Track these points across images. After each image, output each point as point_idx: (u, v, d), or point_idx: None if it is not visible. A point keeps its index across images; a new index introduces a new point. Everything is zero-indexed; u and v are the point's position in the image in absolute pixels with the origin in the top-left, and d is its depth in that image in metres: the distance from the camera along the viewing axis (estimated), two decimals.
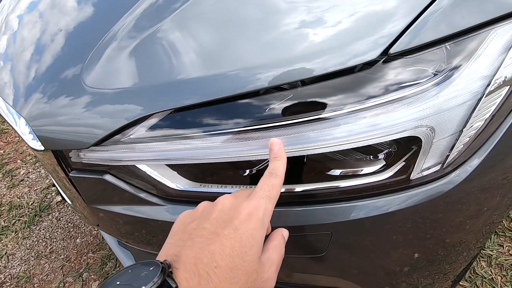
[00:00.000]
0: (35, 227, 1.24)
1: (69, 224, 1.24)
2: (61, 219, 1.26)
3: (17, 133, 0.50)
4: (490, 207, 0.48)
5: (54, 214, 1.29)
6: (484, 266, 0.95)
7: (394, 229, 0.44)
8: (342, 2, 0.40)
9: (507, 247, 0.98)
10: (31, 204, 1.33)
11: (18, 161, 1.54)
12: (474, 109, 0.37)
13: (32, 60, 0.54)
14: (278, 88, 0.39)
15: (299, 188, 0.43)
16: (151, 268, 0.25)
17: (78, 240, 1.18)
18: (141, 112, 0.41)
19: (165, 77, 0.41)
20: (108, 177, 0.48)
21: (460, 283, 0.91)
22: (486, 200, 0.46)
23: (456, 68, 0.36)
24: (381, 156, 0.41)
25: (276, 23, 0.40)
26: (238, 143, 0.39)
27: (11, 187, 1.41)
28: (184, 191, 0.46)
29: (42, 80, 0.49)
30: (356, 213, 0.42)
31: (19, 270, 1.11)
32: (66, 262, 1.11)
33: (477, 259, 0.96)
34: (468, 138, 0.39)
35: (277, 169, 0.34)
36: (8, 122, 0.52)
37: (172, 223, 0.33)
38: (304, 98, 0.38)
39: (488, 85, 0.37)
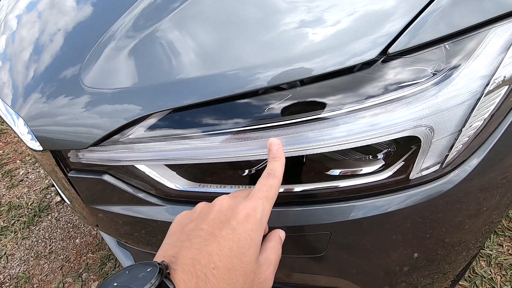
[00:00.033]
0: (34, 227, 1.24)
1: (69, 224, 1.24)
2: (61, 219, 1.26)
3: (16, 133, 0.50)
4: (489, 206, 0.48)
5: (53, 214, 1.29)
6: (484, 265, 0.95)
7: (393, 228, 0.44)
8: (341, 1, 0.40)
9: (506, 247, 0.98)
10: (31, 204, 1.33)
11: (17, 161, 1.54)
12: (473, 108, 0.37)
13: (31, 60, 0.54)
14: (277, 88, 0.39)
15: (298, 188, 0.42)
16: (148, 269, 0.25)
17: (77, 240, 1.18)
18: (140, 112, 0.40)
19: (164, 77, 0.41)
20: (107, 177, 0.48)
21: (459, 282, 0.91)
22: (485, 200, 0.46)
23: (455, 67, 0.36)
24: (380, 156, 0.41)
25: (275, 23, 0.40)
26: (237, 143, 0.39)
27: (10, 188, 1.41)
28: (183, 191, 0.46)
29: (41, 80, 0.49)
30: (355, 213, 0.42)
31: (19, 270, 1.11)
32: (66, 263, 1.11)
33: (477, 258, 0.96)
34: (467, 138, 0.39)
35: (276, 169, 0.34)
36: (6, 123, 0.52)
37: (171, 223, 0.33)
38: (303, 98, 0.38)
39: (487, 84, 0.37)
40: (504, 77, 0.38)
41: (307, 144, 0.37)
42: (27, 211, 1.30)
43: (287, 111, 0.38)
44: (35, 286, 1.06)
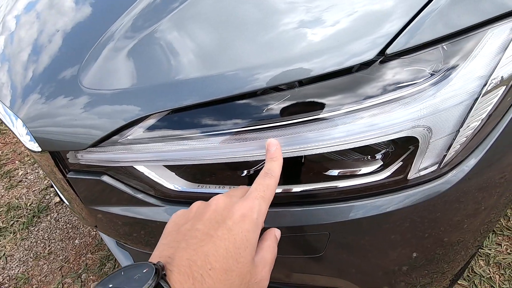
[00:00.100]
0: (33, 228, 1.24)
1: (68, 225, 1.24)
2: (60, 220, 1.26)
3: (15, 134, 0.50)
4: (488, 206, 0.48)
5: (52, 215, 1.28)
6: (482, 265, 0.96)
7: (392, 228, 0.44)
8: (340, 1, 0.40)
9: (505, 246, 0.99)
10: (30, 205, 1.33)
11: (16, 162, 1.53)
12: (471, 109, 0.38)
13: (29, 60, 0.53)
14: (276, 89, 0.39)
15: (297, 188, 0.43)
16: (144, 271, 0.24)
17: (76, 241, 1.18)
18: (139, 113, 0.40)
19: (162, 78, 0.41)
20: (105, 178, 0.48)
21: (458, 282, 0.91)
22: (483, 199, 0.46)
23: (453, 68, 0.37)
24: (378, 156, 0.41)
25: (274, 23, 0.40)
26: (236, 144, 0.39)
27: (9, 188, 1.41)
28: (182, 191, 0.46)
29: (39, 81, 0.49)
30: (354, 213, 0.42)
31: (18, 271, 1.11)
32: (65, 263, 1.11)
33: (475, 258, 0.97)
34: (465, 138, 0.39)
35: (273, 169, 0.34)
36: (5, 123, 0.52)
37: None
38: (302, 99, 0.38)
39: (485, 85, 0.37)
40: (502, 77, 0.38)
41: (306, 145, 0.38)
42: (26, 212, 1.30)
43: (286, 112, 0.38)
44: (34, 286, 1.06)
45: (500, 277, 0.93)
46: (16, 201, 1.35)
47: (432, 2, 0.37)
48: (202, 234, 0.28)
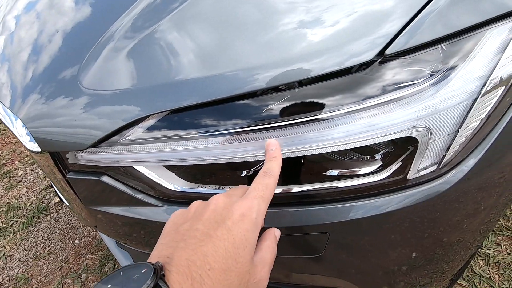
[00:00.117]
0: (33, 228, 1.24)
1: (68, 225, 1.24)
2: (60, 220, 1.26)
3: (14, 134, 0.50)
4: (487, 206, 0.48)
5: (52, 215, 1.28)
6: (482, 265, 0.96)
7: (391, 228, 0.44)
8: (339, 2, 0.40)
9: (504, 246, 0.99)
10: (29, 205, 1.33)
11: (16, 162, 1.53)
12: (470, 109, 0.38)
13: (29, 61, 0.53)
14: (275, 89, 0.39)
15: (296, 188, 0.43)
16: (143, 271, 0.24)
17: (76, 241, 1.18)
18: (139, 113, 0.41)
19: (162, 78, 0.41)
20: (105, 179, 0.48)
21: (458, 282, 0.91)
22: (483, 199, 0.47)
23: (452, 68, 0.37)
24: (378, 156, 0.41)
25: (274, 24, 0.40)
26: (235, 144, 0.39)
27: (9, 188, 1.41)
28: (182, 192, 0.46)
29: (39, 81, 0.49)
30: (353, 213, 0.42)
31: (18, 271, 1.11)
32: (65, 263, 1.11)
33: (475, 258, 0.97)
34: (464, 138, 0.40)
35: (272, 169, 0.34)
36: (5, 124, 0.52)
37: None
38: (302, 99, 0.38)
39: (484, 85, 0.37)
40: (501, 77, 0.38)
41: (306, 145, 0.38)
42: (26, 212, 1.30)
43: (286, 112, 0.38)
44: (34, 287, 1.06)
45: (499, 277, 0.93)
46: (16, 201, 1.35)
47: (432, 2, 0.37)
48: (201, 234, 0.28)
